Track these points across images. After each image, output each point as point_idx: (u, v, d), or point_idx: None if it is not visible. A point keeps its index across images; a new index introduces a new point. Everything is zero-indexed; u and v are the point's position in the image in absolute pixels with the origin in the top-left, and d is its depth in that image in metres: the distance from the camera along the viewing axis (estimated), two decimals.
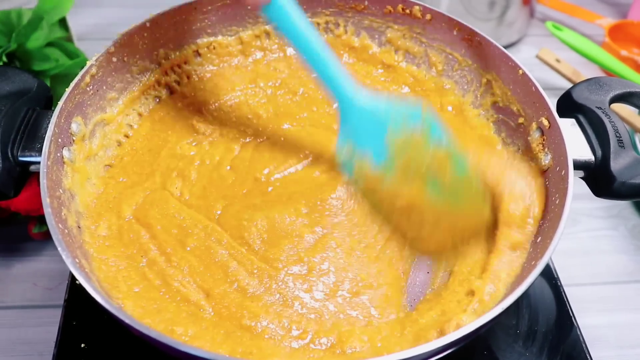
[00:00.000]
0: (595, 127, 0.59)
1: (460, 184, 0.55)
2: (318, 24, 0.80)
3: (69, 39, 0.90)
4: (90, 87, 0.63)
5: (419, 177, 0.53)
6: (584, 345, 0.65)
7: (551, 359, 0.63)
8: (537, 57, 1.09)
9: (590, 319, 0.73)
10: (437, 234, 0.56)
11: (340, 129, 0.57)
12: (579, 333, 0.66)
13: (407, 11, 0.76)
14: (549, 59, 1.08)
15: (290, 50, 0.81)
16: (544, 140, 0.62)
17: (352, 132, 0.56)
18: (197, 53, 0.77)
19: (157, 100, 0.74)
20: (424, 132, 0.54)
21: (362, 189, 0.57)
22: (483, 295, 0.52)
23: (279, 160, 0.67)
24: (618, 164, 0.56)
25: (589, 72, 1.10)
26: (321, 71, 0.55)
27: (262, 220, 0.60)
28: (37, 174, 0.54)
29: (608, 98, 0.61)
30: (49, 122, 0.56)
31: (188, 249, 0.58)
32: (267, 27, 0.80)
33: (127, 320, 0.44)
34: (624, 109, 0.98)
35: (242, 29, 0.79)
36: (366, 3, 0.77)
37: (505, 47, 0.77)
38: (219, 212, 0.62)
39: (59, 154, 0.57)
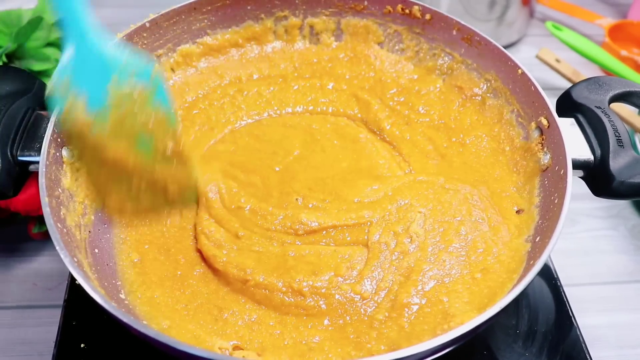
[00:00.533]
0: (595, 127, 0.59)
1: (174, 151, 0.56)
2: (318, 24, 0.81)
3: None
4: None
5: (131, 133, 0.53)
6: (583, 345, 0.64)
7: (551, 359, 0.63)
8: (537, 57, 1.09)
9: (590, 319, 0.73)
10: (138, 190, 0.56)
11: (66, 61, 0.53)
12: (578, 333, 0.65)
13: (407, 11, 0.76)
14: (549, 59, 1.08)
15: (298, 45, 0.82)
16: (543, 139, 0.62)
17: (76, 69, 0.53)
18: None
19: None
20: (148, 91, 0.54)
21: (67, 131, 0.55)
22: None
23: None
24: (617, 163, 0.56)
25: (588, 72, 1.10)
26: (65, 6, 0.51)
27: None
28: (36, 173, 0.54)
29: (607, 97, 0.61)
30: (48, 122, 0.56)
31: None
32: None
33: (126, 320, 0.44)
34: (623, 109, 0.98)
35: (242, 29, 0.79)
36: (365, 3, 0.77)
37: (505, 47, 0.77)
38: None
39: (58, 154, 0.57)
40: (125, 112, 0.53)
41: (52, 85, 0.53)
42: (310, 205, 0.64)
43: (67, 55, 0.53)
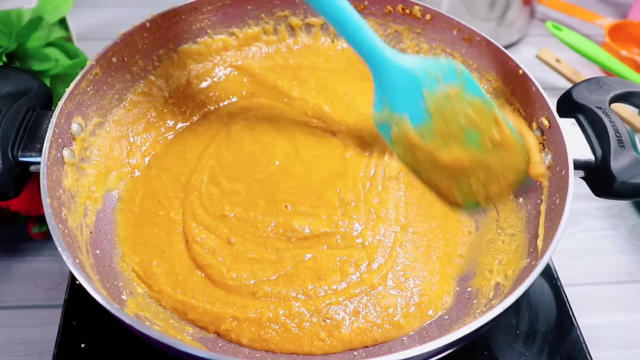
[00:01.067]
0: (596, 127, 0.59)
1: (501, 137, 0.56)
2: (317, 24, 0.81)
3: (69, 39, 0.90)
4: (90, 87, 0.63)
5: (458, 132, 0.55)
6: (584, 345, 0.65)
7: (551, 359, 0.63)
8: (537, 57, 1.09)
9: (590, 319, 0.73)
10: (478, 185, 0.57)
11: (375, 95, 0.58)
12: (579, 333, 0.66)
13: (407, 11, 0.76)
14: (549, 59, 1.08)
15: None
16: (544, 140, 0.62)
17: (387, 97, 0.57)
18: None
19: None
20: (460, 88, 0.55)
21: (400, 151, 0.58)
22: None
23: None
24: (618, 163, 0.56)
25: (589, 72, 1.10)
26: (356, 39, 0.56)
27: None
28: (37, 174, 0.53)
29: (608, 98, 0.61)
30: (49, 122, 0.56)
31: None
32: (267, 27, 0.80)
33: (127, 321, 0.44)
34: (624, 109, 0.98)
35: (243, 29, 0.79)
36: (366, 3, 0.77)
37: (506, 47, 0.77)
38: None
39: (59, 154, 0.56)
40: (447, 115, 0.55)
41: (374, 117, 0.59)
42: (300, 211, 0.63)
43: (375, 84, 0.58)
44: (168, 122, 0.73)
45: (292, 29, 0.81)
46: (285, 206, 0.63)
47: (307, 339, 0.54)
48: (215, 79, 0.79)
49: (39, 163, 0.53)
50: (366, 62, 0.58)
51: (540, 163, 0.58)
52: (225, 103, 0.77)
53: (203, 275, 0.59)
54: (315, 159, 0.69)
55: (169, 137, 0.72)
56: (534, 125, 0.63)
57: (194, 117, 0.75)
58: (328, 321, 0.55)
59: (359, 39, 0.56)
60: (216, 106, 0.76)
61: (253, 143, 0.71)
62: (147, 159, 0.70)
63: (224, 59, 0.79)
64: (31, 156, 0.55)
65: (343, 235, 0.62)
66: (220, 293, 0.57)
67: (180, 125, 0.74)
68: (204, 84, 0.78)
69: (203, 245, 0.60)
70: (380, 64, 0.56)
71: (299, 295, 0.57)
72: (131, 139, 0.70)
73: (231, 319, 0.54)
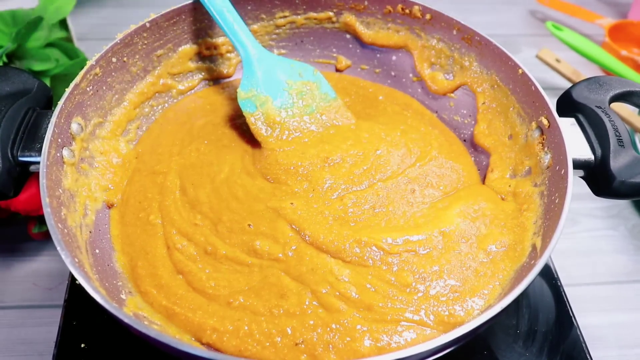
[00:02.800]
0: (595, 127, 0.59)
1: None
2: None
3: (69, 39, 0.91)
4: (90, 87, 0.63)
5: (306, 112, 0.72)
6: (583, 345, 0.64)
7: (551, 359, 0.63)
8: (537, 57, 1.09)
9: (590, 319, 0.73)
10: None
11: (244, 79, 0.71)
12: (578, 333, 0.65)
13: (407, 11, 0.76)
14: (549, 59, 1.08)
15: None
16: (543, 139, 0.62)
17: (256, 81, 0.71)
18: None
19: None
20: (315, 83, 0.74)
21: (266, 115, 0.70)
22: None
23: None
24: (618, 163, 0.56)
25: (589, 72, 1.10)
26: (235, 35, 0.71)
27: None
28: (36, 174, 0.54)
29: (608, 97, 0.61)
30: (48, 122, 0.56)
31: None
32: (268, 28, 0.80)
33: (125, 320, 0.44)
34: (623, 108, 0.98)
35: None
36: (366, 3, 0.77)
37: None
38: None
39: (58, 154, 0.57)
40: (304, 98, 0.72)
41: (239, 95, 0.70)
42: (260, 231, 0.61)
43: (247, 71, 0.71)
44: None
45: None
46: (248, 225, 0.62)
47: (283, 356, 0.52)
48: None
49: (38, 163, 0.53)
50: (241, 53, 0.71)
51: None
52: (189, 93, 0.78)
53: (184, 280, 0.58)
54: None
55: (141, 133, 0.73)
56: (534, 124, 0.63)
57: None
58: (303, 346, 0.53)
59: (237, 34, 0.71)
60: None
61: (210, 143, 0.71)
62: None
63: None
64: (31, 156, 0.55)
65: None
66: (201, 300, 0.56)
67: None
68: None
69: (183, 252, 0.59)
70: (255, 55, 0.71)
71: (264, 311, 0.54)
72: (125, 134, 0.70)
73: (210, 331, 0.53)
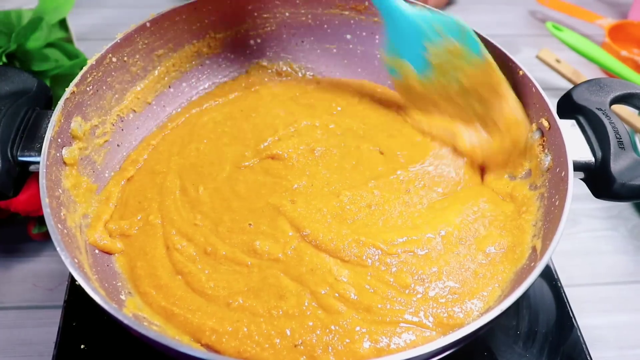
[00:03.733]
0: (596, 129, 0.59)
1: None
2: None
3: (69, 39, 0.90)
4: (90, 87, 0.63)
5: (454, 90, 0.62)
6: (584, 346, 0.64)
7: None
8: (537, 57, 1.09)
9: (590, 320, 0.73)
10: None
11: (387, 39, 0.64)
12: (579, 334, 0.65)
13: None
14: (549, 60, 1.08)
15: None
16: (544, 141, 0.62)
17: (394, 43, 0.62)
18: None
19: None
20: (461, 45, 0.60)
21: (407, 86, 0.65)
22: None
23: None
24: (618, 165, 0.56)
25: (589, 72, 1.10)
26: None
27: None
28: (36, 174, 0.54)
29: (608, 99, 0.61)
30: (48, 122, 0.56)
31: None
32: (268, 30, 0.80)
33: (124, 321, 0.44)
34: (624, 110, 0.98)
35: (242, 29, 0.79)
36: (366, 3, 0.77)
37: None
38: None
39: (58, 154, 0.56)
40: (446, 69, 0.61)
41: (385, 60, 0.65)
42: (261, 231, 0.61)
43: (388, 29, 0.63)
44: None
45: None
46: (249, 224, 0.62)
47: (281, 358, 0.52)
48: None
49: (38, 163, 0.53)
50: (376, 5, 0.63)
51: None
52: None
53: (184, 281, 0.58)
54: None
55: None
56: (534, 126, 0.63)
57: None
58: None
59: None
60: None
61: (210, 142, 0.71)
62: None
63: None
64: (30, 156, 0.55)
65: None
66: (200, 301, 0.55)
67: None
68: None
69: (183, 253, 0.59)
70: (389, 9, 0.62)
71: (264, 312, 0.54)
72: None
73: (209, 332, 0.53)
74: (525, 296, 0.68)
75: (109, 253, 0.60)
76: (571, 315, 0.67)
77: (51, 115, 0.56)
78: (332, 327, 0.53)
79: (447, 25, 0.60)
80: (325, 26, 0.81)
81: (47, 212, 0.50)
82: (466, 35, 0.59)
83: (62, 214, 0.54)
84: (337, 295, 0.55)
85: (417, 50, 0.60)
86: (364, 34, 0.80)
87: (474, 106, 0.63)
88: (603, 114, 0.59)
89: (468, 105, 0.63)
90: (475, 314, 0.54)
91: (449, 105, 0.65)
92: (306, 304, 0.55)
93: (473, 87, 0.62)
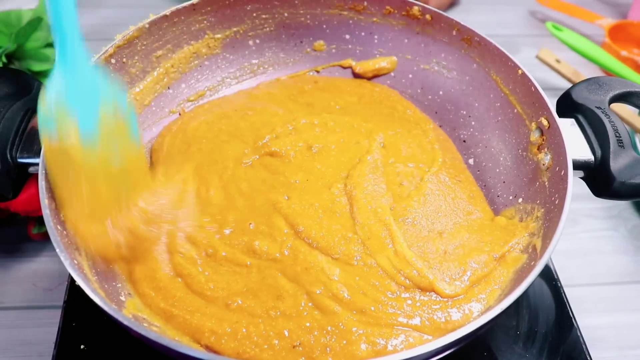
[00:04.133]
0: (595, 127, 0.59)
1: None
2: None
3: None
4: None
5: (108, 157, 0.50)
6: (584, 346, 0.64)
7: None
8: (537, 57, 1.09)
9: (590, 320, 0.73)
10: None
11: (53, 84, 0.49)
12: (579, 334, 0.65)
13: (407, 11, 0.76)
14: (549, 59, 1.08)
15: None
16: (543, 140, 0.62)
17: (67, 91, 0.49)
18: None
19: None
20: (125, 123, 0.52)
21: (56, 149, 0.50)
22: None
23: None
24: (618, 164, 0.56)
25: (589, 72, 1.10)
26: (59, 24, 0.50)
27: None
28: (36, 175, 0.53)
29: (608, 98, 0.61)
30: None
31: None
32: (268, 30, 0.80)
33: (124, 322, 0.44)
34: (624, 111, 0.98)
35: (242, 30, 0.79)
36: (365, 4, 0.77)
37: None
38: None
39: None
40: (107, 140, 0.50)
41: (43, 104, 0.49)
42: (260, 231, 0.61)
43: (56, 77, 0.49)
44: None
45: None
46: (249, 224, 0.62)
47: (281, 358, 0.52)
48: None
49: (37, 164, 0.53)
50: (58, 46, 0.49)
51: None
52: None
53: (183, 283, 0.57)
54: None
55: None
56: (534, 125, 0.63)
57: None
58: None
59: (62, 21, 0.50)
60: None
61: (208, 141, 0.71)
62: None
63: None
64: (30, 157, 0.55)
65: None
66: (199, 302, 0.55)
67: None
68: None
69: (185, 255, 0.59)
70: (74, 54, 0.49)
71: (262, 313, 0.54)
72: None
73: (208, 333, 0.53)
74: (525, 296, 0.68)
75: None
76: (571, 315, 0.67)
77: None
78: (329, 328, 0.53)
79: (120, 98, 0.52)
80: (324, 26, 0.81)
81: (46, 213, 0.50)
82: (132, 116, 0.52)
83: (61, 215, 0.54)
84: (331, 294, 0.55)
85: (91, 107, 0.49)
86: (362, 34, 0.81)
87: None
88: (602, 112, 0.59)
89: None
90: (475, 314, 0.54)
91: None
92: (302, 304, 0.55)
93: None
